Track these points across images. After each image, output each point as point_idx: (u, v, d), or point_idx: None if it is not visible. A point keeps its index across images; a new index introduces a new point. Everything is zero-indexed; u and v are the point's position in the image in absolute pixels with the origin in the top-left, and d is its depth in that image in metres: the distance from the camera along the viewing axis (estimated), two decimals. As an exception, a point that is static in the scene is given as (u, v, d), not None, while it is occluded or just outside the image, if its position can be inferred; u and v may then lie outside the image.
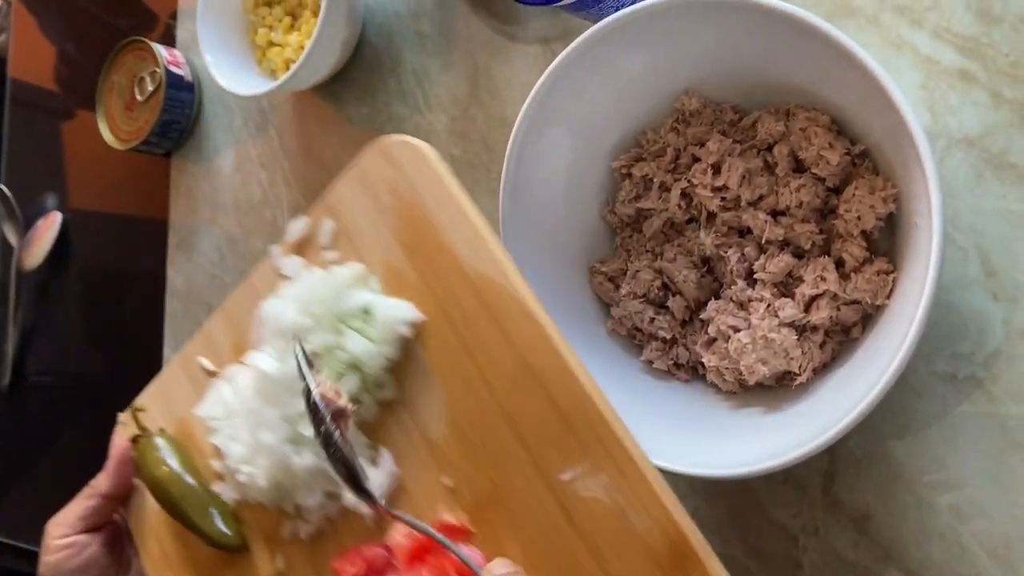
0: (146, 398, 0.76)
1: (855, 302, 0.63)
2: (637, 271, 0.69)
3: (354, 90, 0.96)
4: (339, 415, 0.57)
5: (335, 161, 0.97)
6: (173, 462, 0.70)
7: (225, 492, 0.69)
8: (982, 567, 0.62)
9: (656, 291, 0.69)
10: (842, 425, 0.55)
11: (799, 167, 0.65)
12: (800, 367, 0.63)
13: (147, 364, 1.09)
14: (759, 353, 0.63)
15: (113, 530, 0.74)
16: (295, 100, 1.01)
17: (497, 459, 0.56)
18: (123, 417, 0.75)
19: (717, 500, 0.71)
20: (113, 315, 1.21)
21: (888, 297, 0.62)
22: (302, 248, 0.69)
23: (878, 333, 0.62)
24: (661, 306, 0.70)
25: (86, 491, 0.73)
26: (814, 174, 0.64)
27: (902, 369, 0.55)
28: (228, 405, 0.68)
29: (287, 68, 0.93)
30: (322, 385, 0.58)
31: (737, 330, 0.64)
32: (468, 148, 0.88)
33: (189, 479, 0.69)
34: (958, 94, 0.65)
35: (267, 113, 1.03)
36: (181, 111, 1.07)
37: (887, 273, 0.62)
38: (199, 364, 0.72)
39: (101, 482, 0.72)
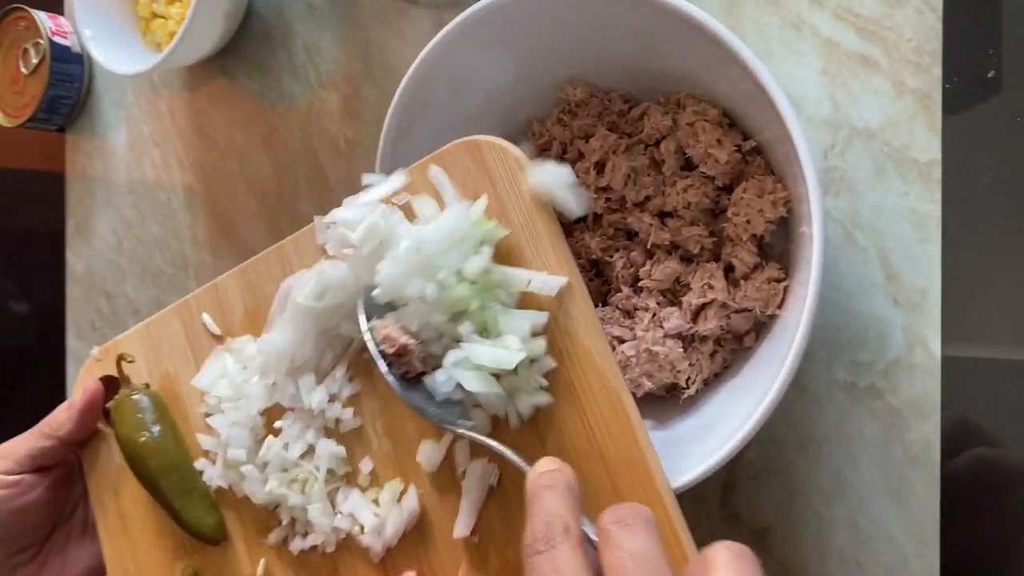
0: (131, 341, 0.65)
1: (746, 310, 0.58)
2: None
3: (244, 65, 0.89)
4: (402, 354, 0.51)
5: (227, 141, 0.91)
6: (156, 429, 0.60)
7: (209, 473, 0.60)
8: (880, 586, 0.59)
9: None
10: (724, 452, 0.51)
11: (688, 165, 0.60)
12: (688, 380, 0.59)
13: (51, 351, 1.05)
14: (643, 367, 0.59)
15: (64, 469, 0.65)
16: (185, 75, 0.94)
17: None
18: (97, 352, 0.65)
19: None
20: (12, 301, 1.16)
21: (780, 307, 0.57)
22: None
23: (771, 342, 0.58)
24: (547, 310, 0.65)
25: (42, 428, 0.63)
26: (703, 173, 0.59)
27: (787, 385, 0.51)
28: (237, 386, 0.59)
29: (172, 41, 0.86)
30: (378, 329, 0.52)
31: (622, 341, 0.60)
32: (362, 130, 0.82)
33: (172, 452, 0.60)
34: (860, 81, 0.60)
35: (158, 88, 0.96)
36: (70, 85, 1.00)
37: (778, 281, 0.58)
38: (202, 321, 0.62)
39: (62, 423, 0.62)
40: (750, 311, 0.58)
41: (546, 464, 0.45)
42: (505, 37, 0.60)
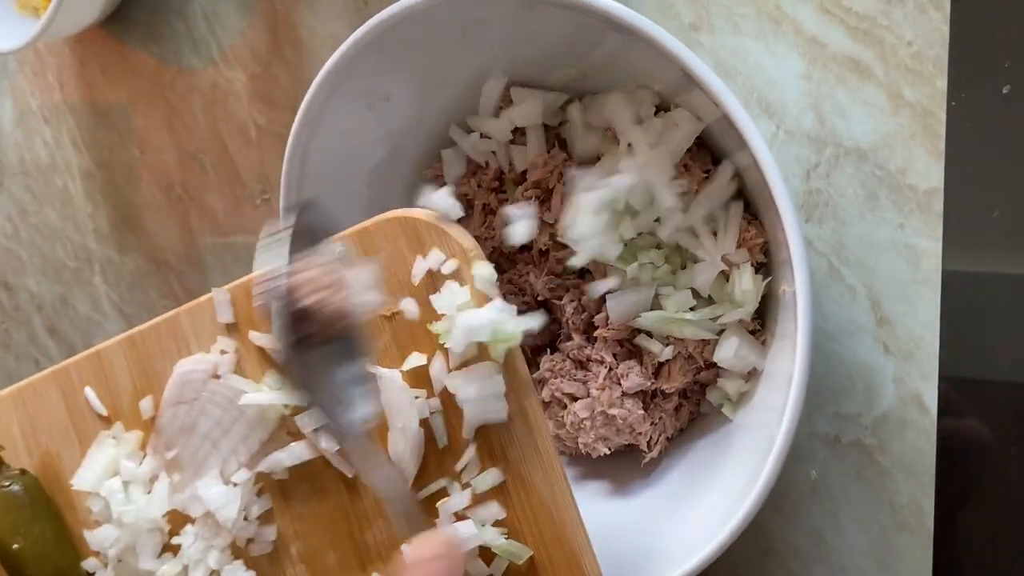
0: (2, 408, 0.54)
1: (714, 365, 0.50)
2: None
3: (137, 33, 0.77)
4: (316, 310, 0.40)
5: (124, 120, 0.80)
6: (33, 530, 0.51)
7: (100, 573, 0.51)
8: (863, 657, 0.53)
9: (484, 336, 0.56)
10: (709, 550, 0.45)
11: (649, 194, 0.51)
12: (650, 441, 0.52)
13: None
14: (599, 431, 0.51)
15: None
16: (73, 43, 0.82)
17: None
18: None
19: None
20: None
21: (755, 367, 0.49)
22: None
23: (750, 408, 0.50)
24: (492, 352, 0.57)
25: None
26: (666, 206, 0.50)
27: (776, 475, 0.44)
28: (131, 485, 0.50)
29: (50, 8, 0.74)
30: (299, 268, 0.40)
31: (574, 399, 0.52)
32: (275, 116, 0.72)
33: (54, 558, 0.51)
34: (848, 91, 0.50)
35: (43, 56, 0.84)
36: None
37: (753, 332, 0.50)
38: (85, 396, 0.52)
39: None
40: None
41: (428, 549, 0.37)
42: (425, 41, 0.50)
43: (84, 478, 0.50)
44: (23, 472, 0.52)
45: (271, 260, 0.40)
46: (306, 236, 0.41)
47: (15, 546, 0.50)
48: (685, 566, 0.46)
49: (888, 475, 0.52)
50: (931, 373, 0.50)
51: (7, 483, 0.52)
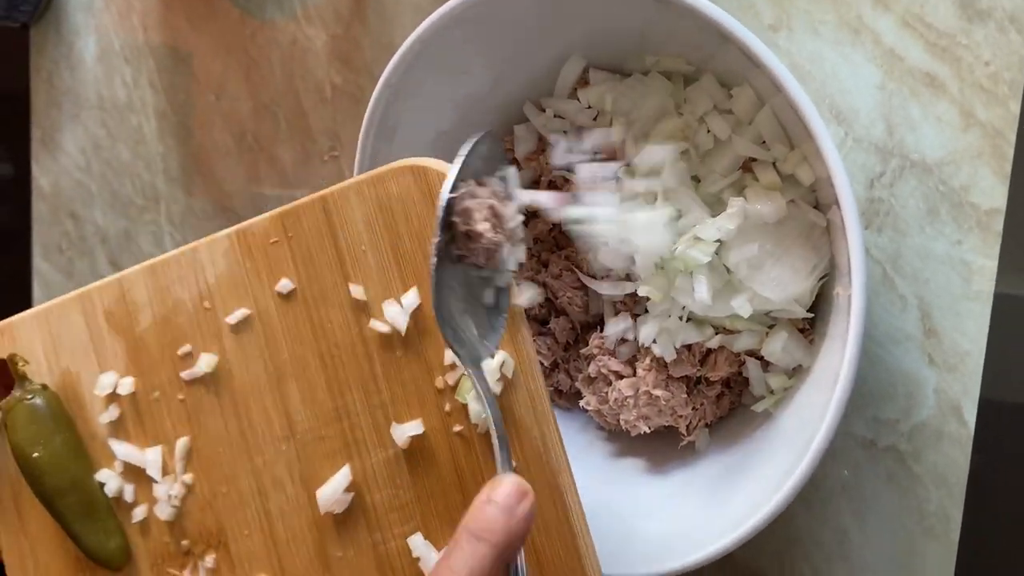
0: (27, 328, 0.56)
1: (761, 359, 0.52)
2: (518, 285, 0.57)
3: (224, -16, 0.79)
4: (473, 237, 0.42)
5: (203, 66, 0.82)
6: (53, 441, 0.53)
7: (113, 486, 0.53)
8: (875, 655, 0.55)
9: (538, 308, 0.58)
10: (738, 534, 0.46)
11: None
12: (689, 426, 0.53)
13: (15, 271, 0.98)
14: (641, 410, 0.53)
15: None
16: (160, -14, 0.84)
17: None
18: None
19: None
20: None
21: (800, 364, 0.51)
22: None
23: (794, 406, 0.51)
24: (544, 324, 0.59)
25: None
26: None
27: (811, 471, 0.45)
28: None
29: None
30: (466, 195, 0.42)
31: (621, 377, 0.54)
32: (351, 77, 0.73)
33: (71, 470, 0.54)
34: (921, 105, 0.51)
35: (130, -2, 0.87)
36: (33, -18, 0.90)
37: (802, 331, 0.51)
38: (104, 315, 0.54)
39: None
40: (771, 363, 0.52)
41: (498, 491, 0.37)
42: (508, 19, 0.51)
43: (103, 384, 0.53)
44: (44, 387, 0.55)
45: (461, 174, 0.42)
46: (486, 162, 0.43)
47: (35, 455, 0.53)
48: (710, 549, 0.47)
49: (919, 482, 0.53)
50: (973, 388, 0.51)
51: (30, 396, 0.54)
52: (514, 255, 0.44)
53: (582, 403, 0.56)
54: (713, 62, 0.50)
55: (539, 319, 0.59)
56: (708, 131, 0.50)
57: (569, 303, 0.57)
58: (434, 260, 0.41)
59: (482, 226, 0.42)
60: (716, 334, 0.52)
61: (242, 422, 0.50)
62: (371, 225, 0.48)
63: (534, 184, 0.58)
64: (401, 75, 0.53)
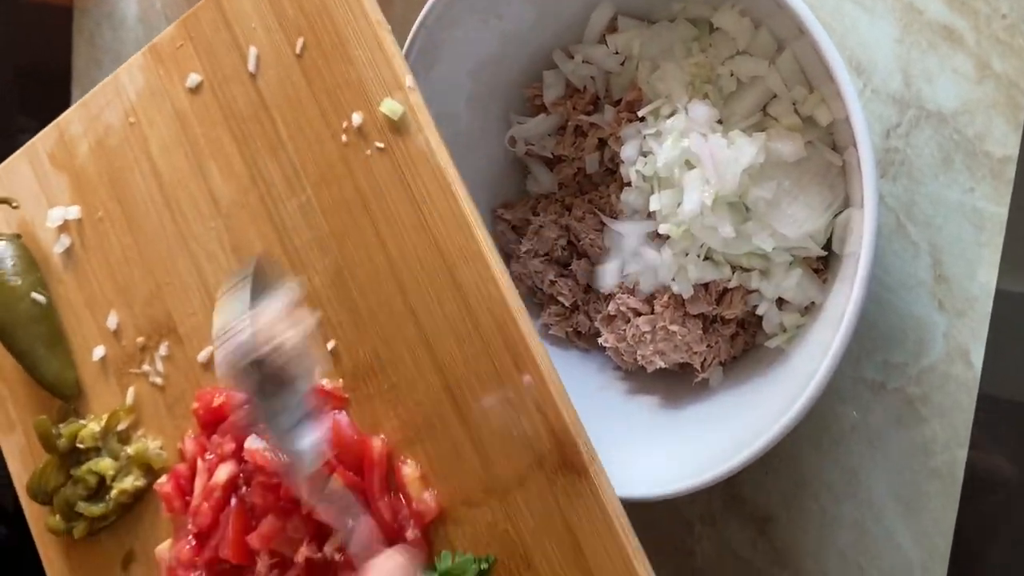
0: None
1: (780, 299, 0.54)
2: (541, 226, 0.60)
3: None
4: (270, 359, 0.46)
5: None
6: (25, 281, 0.58)
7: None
8: (879, 592, 0.56)
9: (560, 251, 0.60)
10: (741, 458, 0.48)
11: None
12: (704, 363, 0.55)
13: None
14: (658, 345, 0.55)
15: None
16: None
17: (385, 331, 0.51)
18: None
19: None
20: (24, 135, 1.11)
21: (812, 302, 0.53)
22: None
23: (804, 342, 0.53)
24: (565, 267, 0.61)
25: None
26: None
27: (818, 395, 0.47)
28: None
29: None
30: (260, 315, 0.46)
31: (639, 314, 0.56)
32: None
33: (20, 303, 0.58)
34: (939, 57, 0.53)
35: (172, -44, 0.89)
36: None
37: (816, 271, 0.53)
38: (48, 158, 0.61)
39: None
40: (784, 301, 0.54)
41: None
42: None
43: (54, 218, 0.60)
44: (17, 236, 0.61)
45: (232, 312, 0.45)
46: (259, 288, 0.47)
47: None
48: (711, 473, 0.49)
49: (927, 424, 0.55)
50: (981, 332, 0.53)
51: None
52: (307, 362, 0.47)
53: (600, 340, 0.58)
54: (738, 6, 0.52)
55: (560, 261, 0.61)
56: (732, 74, 0.52)
57: (591, 245, 0.59)
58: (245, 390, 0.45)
59: (271, 345, 0.45)
60: (733, 272, 0.54)
61: (175, 214, 0.56)
62: (259, 9, 0.54)
63: (561, 131, 0.60)
64: (437, 16, 0.54)
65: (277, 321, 0.46)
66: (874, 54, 0.55)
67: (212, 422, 0.53)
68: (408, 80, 0.49)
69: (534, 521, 0.47)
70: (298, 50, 0.52)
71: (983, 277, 0.53)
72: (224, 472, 0.51)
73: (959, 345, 0.54)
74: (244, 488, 0.51)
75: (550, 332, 0.61)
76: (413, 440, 0.50)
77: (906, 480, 0.56)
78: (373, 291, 0.51)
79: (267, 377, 0.46)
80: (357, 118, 0.50)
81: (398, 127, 0.49)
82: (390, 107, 0.49)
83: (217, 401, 0.51)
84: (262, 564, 0.50)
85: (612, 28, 0.57)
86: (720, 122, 0.52)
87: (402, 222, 0.50)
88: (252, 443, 0.49)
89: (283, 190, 0.53)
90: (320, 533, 0.50)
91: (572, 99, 0.59)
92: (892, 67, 0.54)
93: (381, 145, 0.50)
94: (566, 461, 0.47)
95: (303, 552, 0.49)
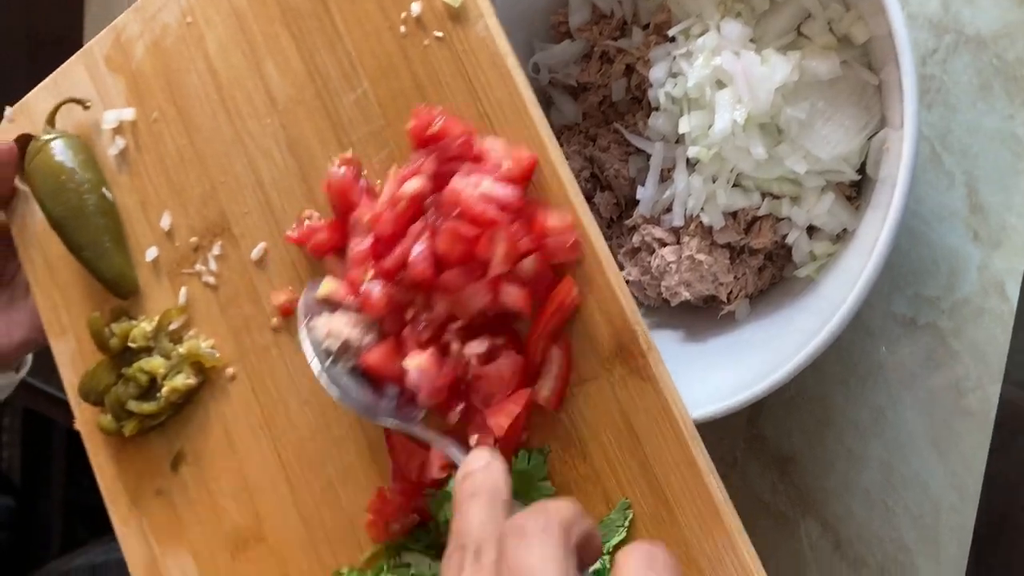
0: (39, 98, 0.62)
1: (811, 227, 0.52)
2: (565, 158, 0.58)
3: None
4: (346, 349, 0.49)
5: None
6: (73, 168, 0.57)
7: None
8: (904, 532, 0.55)
9: (584, 182, 0.59)
10: (762, 387, 0.47)
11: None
12: (730, 295, 0.54)
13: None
14: (683, 275, 0.54)
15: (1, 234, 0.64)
16: None
17: None
18: (10, 113, 0.63)
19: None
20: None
21: (844, 229, 0.51)
22: None
23: (834, 272, 0.52)
24: (589, 199, 0.59)
25: None
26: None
27: (846, 324, 0.46)
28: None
29: None
30: (322, 325, 0.49)
31: (664, 244, 0.54)
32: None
33: (87, 197, 0.57)
34: (979, -22, 0.51)
35: None
36: None
37: (848, 199, 0.51)
38: (104, 61, 0.59)
39: None
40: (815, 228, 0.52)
41: (473, 461, 0.40)
42: None
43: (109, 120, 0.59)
44: (65, 132, 0.60)
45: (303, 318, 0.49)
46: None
47: (50, 182, 0.58)
48: (731, 400, 0.48)
49: (958, 359, 0.53)
50: (1017, 264, 0.51)
51: (46, 136, 0.59)
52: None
53: (624, 274, 0.57)
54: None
55: (584, 194, 0.59)
56: (765, -9, 0.50)
57: (616, 176, 0.57)
58: (327, 380, 0.48)
59: (350, 333, 0.49)
60: (763, 200, 0.52)
61: (231, 113, 0.55)
62: None
63: (586, 58, 0.58)
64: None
65: (339, 324, 0.49)
66: (911, -23, 0.53)
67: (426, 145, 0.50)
68: None
69: (589, 411, 0.47)
70: None
71: (1021, 206, 0.51)
72: (414, 184, 0.48)
73: (994, 277, 0.52)
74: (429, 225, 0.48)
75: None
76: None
77: (936, 419, 0.54)
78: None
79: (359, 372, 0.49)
80: (416, 8, 0.49)
81: (457, 15, 0.48)
82: None
83: (437, 126, 0.48)
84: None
85: (643, -49, 0.55)
86: (753, 41, 0.50)
87: (460, 112, 0.48)
88: (461, 183, 0.46)
89: (340, 84, 0.52)
90: (484, 324, 0.47)
91: (599, 24, 0.57)
92: (930, -10, 0.53)
93: (440, 34, 0.49)
94: (623, 349, 0.46)
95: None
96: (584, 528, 0.37)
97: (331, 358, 0.49)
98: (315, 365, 0.48)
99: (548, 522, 0.36)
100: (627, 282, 0.57)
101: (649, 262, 0.55)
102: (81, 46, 0.93)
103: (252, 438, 0.55)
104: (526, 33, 0.60)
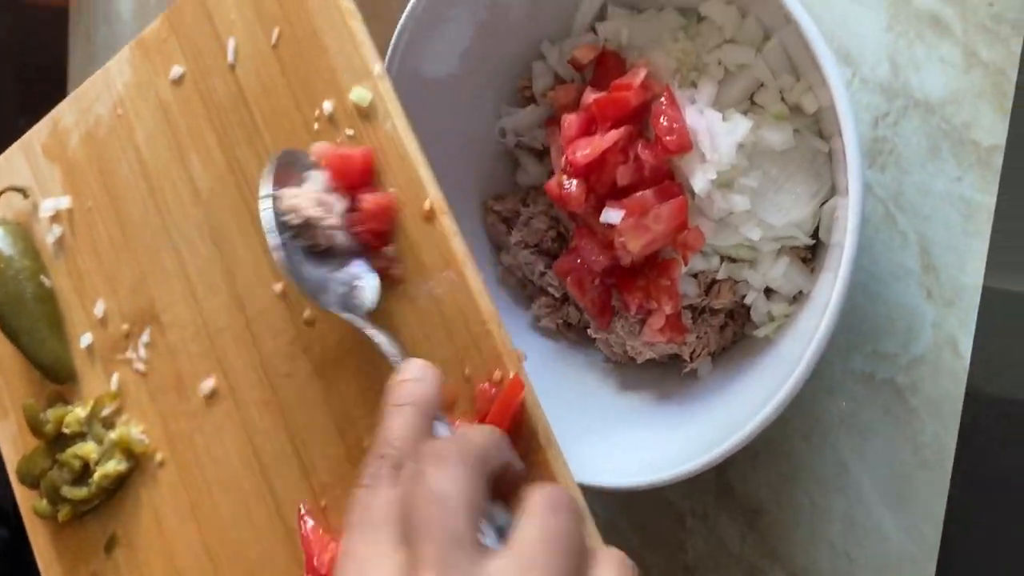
0: None
1: (768, 289, 0.54)
2: (531, 217, 0.60)
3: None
4: (307, 227, 0.48)
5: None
6: (12, 256, 0.59)
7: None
8: (868, 584, 0.56)
9: (550, 242, 0.60)
10: (727, 445, 0.48)
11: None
12: (693, 353, 0.55)
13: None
14: (647, 335, 0.55)
15: None
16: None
17: None
18: None
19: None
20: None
21: (800, 291, 0.53)
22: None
23: (792, 331, 0.53)
24: (555, 258, 0.61)
25: None
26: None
27: (804, 380, 0.47)
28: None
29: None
30: (286, 197, 0.48)
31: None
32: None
33: (25, 284, 0.59)
34: (926, 46, 0.53)
35: (167, -46, 0.90)
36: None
37: (803, 260, 0.53)
38: (42, 150, 0.62)
39: None
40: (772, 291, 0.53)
41: (407, 371, 0.42)
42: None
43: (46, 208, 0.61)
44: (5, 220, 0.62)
45: (264, 189, 0.48)
46: (296, 170, 0.49)
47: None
48: (694, 463, 0.49)
49: (915, 415, 0.55)
50: (969, 322, 0.53)
51: None
52: (348, 241, 0.49)
53: (590, 332, 0.58)
54: (724, -3, 0.52)
55: (550, 253, 0.61)
56: (719, 62, 0.52)
57: (580, 236, 0.59)
58: (281, 256, 0.47)
59: (314, 211, 0.48)
60: (721, 263, 0.54)
61: (159, 203, 0.57)
62: (239, 1, 0.55)
63: (551, 121, 0.60)
64: (423, 8, 0.55)
65: (309, 199, 0.48)
66: (862, 43, 0.55)
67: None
68: (377, 68, 0.49)
69: None
70: (274, 40, 0.53)
71: (971, 267, 0.52)
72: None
73: (948, 335, 0.53)
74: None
75: (540, 324, 0.61)
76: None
77: (896, 472, 0.55)
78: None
79: (313, 247, 0.48)
80: (328, 106, 0.51)
81: (367, 114, 0.50)
82: (359, 94, 0.50)
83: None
84: None
85: (601, 17, 0.57)
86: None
87: None
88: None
89: (258, 178, 0.52)
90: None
91: (563, 88, 0.59)
92: (880, 56, 0.54)
93: (351, 132, 0.50)
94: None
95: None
96: (503, 458, 0.38)
97: (290, 233, 0.48)
98: (272, 238, 0.47)
99: (465, 449, 0.37)
100: (594, 340, 0.59)
101: (614, 321, 0.57)
102: (67, 78, 0.95)
103: (179, 523, 0.56)
104: (495, 98, 0.61)
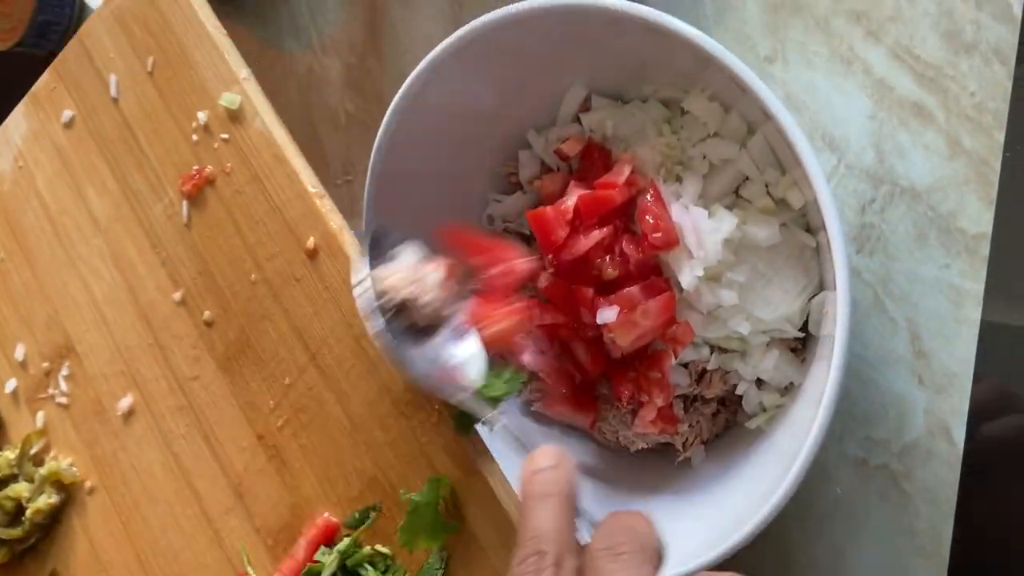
0: None
1: (759, 380, 0.53)
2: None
3: (244, 16, 0.82)
4: (403, 308, 0.46)
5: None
6: None
7: None
8: (867, 673, 0.55)
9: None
10: (723, 548, 0.48)
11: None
12: (685, 443, 0.55)
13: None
14: (639, 426, 0.54)
15: None
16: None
17: (250, 309, 0.55)
18: None
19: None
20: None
21: (792, 382, 0.52)
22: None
23: (786, 422, 0.53)
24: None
25: None
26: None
27: (802, 477, 0.47)
28: None
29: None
30: (380, 278, 0.46)
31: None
32: (363, 105, 0.76)
33: None
34: (910, 133, 0.53)
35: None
36: (60, 11, 0.93)
37: (793, 351, 0.53)
38: None
39: None
40: (763, 381, 0.53)
41: (542, 459, 0.39)
42: (514, 49, 0.53)
43: None
44: None
45: (359, 273, 0.46)
46: (385, 248, 0.48)
47: None
48: (697, 561, 0.48)
49: (910, 501, 0.54)
50: (961, 408, 0.53)
51: None
52: (453, 307, 0.48)
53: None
54: (708, 91, 0.52)
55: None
56: (704, 156, 0.52)
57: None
58: (389, 340, 0.45)
59: (407, 291, 0.46)
60: (712, 353, 0.53)
61: (63, 240, 0.61)
62: (115, 39, 0.60)
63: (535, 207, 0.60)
64: (409, 101, 0.55)
65: (403, 278, 0.47)
66: (847, 130, 0.55)
67: None
68: (243, 72, 0.55)
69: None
70: (149, 68, 0.58)
71: (962, 353, 0.52)
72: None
73: (940, 421, 0.53)
74: None
75: (532, 408, 0.61)
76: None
77: (892, 558, 0.55)
78: (234, 273, 0.55)
79: (412, 326, 0.47)
80: (202, 116, 0.56)
81: (237, 116, 0.55)
82: (228, 99, 0.55)
83: None
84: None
85: (585, 108, 0.57)
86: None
87: (249, 201, 0.54)
88: None
89: (149, 197, 0.58)
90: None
91: (549, 177, 0.58)
92: (865, 143, 0.54)
93: (226, 136, 0.55)
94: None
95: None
96: (661, 546, 0.38)
97: (387, 316, 0.45)
98: (373, 323, 0.44)
99: (641, 545, 0.36)
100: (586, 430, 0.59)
101: (606, 410, 0.56)
102: None
103: (115, 546, 0.58)
104: (483, 185, 0.61)
